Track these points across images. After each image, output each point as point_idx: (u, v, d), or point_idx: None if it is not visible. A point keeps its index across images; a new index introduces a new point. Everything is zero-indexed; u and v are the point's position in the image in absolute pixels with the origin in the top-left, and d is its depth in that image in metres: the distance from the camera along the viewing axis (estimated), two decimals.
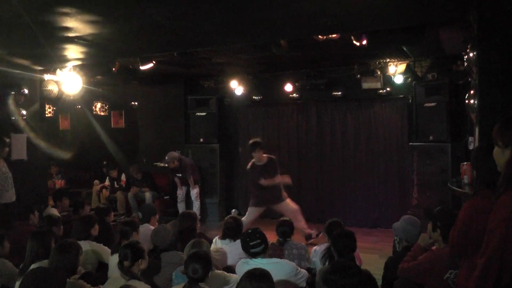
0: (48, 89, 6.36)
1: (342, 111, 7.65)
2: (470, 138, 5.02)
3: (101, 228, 4.28)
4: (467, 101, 4.29)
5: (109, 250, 3.81)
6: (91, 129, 9.24)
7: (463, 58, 4.33)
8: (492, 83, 3.34)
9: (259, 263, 3.04)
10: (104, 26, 4.08)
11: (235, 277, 3.17)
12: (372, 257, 5.14)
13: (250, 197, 8.17)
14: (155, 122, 8.80)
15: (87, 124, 9.28)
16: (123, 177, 8.54)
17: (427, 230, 2.98)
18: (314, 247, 3.96)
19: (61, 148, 8.98)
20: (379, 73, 6.88)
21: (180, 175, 7.53)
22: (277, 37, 4.98)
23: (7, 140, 5.49)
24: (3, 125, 5.71)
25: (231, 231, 3.94)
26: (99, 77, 7.58)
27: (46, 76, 6.40)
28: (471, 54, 3.76)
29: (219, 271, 3.21)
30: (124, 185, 8.43)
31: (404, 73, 6.81)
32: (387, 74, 6.88)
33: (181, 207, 7.57)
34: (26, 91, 5.94)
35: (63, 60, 5.59)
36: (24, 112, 5.96)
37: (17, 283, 2.75)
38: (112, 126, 9.28)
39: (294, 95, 7.70)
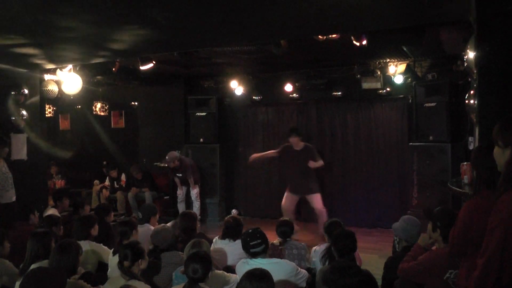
0: (48, 89, 6.36)
1: (342, 111, 7.65)
2: (470, 138, 5.03)
3: (101, 228, 4.28)
4: (467, 101, 4.30)
5: (109, 250, 3.81)
6: (91, 129, 9.25)
7: (463, 58, 4.32)
8: (492, 83, 3.33)
9: (259, 263, 3.04)
10: (104, 26, 4.07)
11: (235, 277, 3.17)
12: (372, 257, 5.14)
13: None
14: (155, 122, 8.80)
15: (87, 124, 9.29)
16: (123, 177, 8.55)
17: (427, 230, 2.98)
18: (314, 247, 3.96)
19: (61, 148, 8.99)
20: (379, 73, 6.88)
21: (181, 175, 7.53)
22: (277, 37, 4.97)
23: (7, 140, 5.49)
24: (3, 125, 5.71)
25: (231, 231, 3.94)
26: (99, 77, 7.59)
27: (46, 76, 6.40)
28: (471, 54, 3.76)
29: (219, 271, 3.21)
30: (124, 185, 8.43)
31: (404, 73, 6.81)
32: (387, 74, 6.88)
33: (181, 207, 7.57)
34: (26, 91, 5.94)
35: (63, 60, 5.59)
36: (24, 112, 5.96)
37: (17, 283, 2.75)
38: (112, 126, 9.29)
39: (294, 95, 7.70)
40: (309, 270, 3.49)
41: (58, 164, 9.06)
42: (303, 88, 7.58)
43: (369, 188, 7.42)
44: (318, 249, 3.81)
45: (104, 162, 9.00)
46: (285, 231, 3.96)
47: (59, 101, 8.12)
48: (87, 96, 8.44)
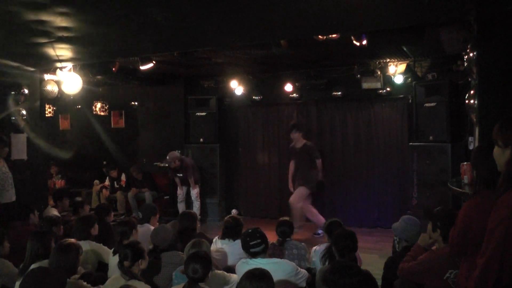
0: (48, 89, 6.36)
1: (342, 111, 7.65)
2: (470, 138, 5.03)
3: (101, 228, 4.28)
4: (467, 101, 4.29)
5: (109, 250, 3.81)
6: (91, 129, 9.24)
7: (463, 58, 4.33)
8: (492, 83, 3.34)
9: (259, 263, 3.04)
10: (104, 26, 4.07)
11: (235, 277, 3.17)
12: (372, 257, 5.14)
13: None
14: (155, 122, 8.80)
15: (87, 124, 9.28)
16: (123, 177, 8.55)
17: (427, 230, 2.98)
18: (314, 247, 3.96)
19: (61, 148, 8.98)
20: (379, 73, 6.88)
21: (181, 175, 7.53)
22: (277, 37, 4.97)
23: (7, 140, 5.49)
24: (3, 125, 5.71)
25: (231, 231, 3.94)
26: (99, 77, 7.58)
27: (46, 76, 6.39)
28: (471, 54, 3.76)
29: (219, 271, 3.21)
30: (124, 185, 8.43)
31: (404, 73, 6.81)
32: (387, 74, 6.88)
33: (181, 207, 7.57)
34: (26, 91, 5.94)
35: (63, 60, 5.58)
36: (24, 112, 5.96)
37: (17, 283, 2.75)
38: (112, 126, 9.28)
39: (294, 95, 7.70)
40: (309, 270, 3.49)
41: (58, 164, 9.06)
42: (303, 88, 7.59)
43: (369, 188, 7.42)
44: (318, 249, 3.81)
45: (104, 162, 9.00)
46: (285, 231, 3.95)
47: (59, 101, 8.13)
48: (87, 96, 8.44)
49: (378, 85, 6.97)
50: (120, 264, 2.99)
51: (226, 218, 4.13)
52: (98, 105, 8.77)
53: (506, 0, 3.28)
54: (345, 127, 7.62)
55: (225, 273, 3.24)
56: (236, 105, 8.38)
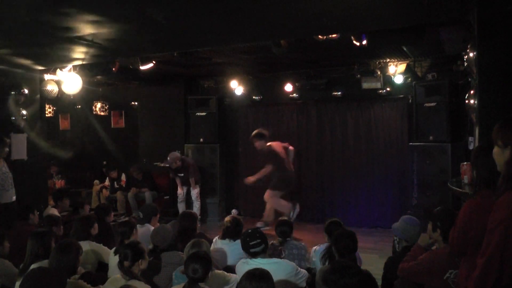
0: (48, 89, 6.36)
1: (342, 111, 7.65)
2: (470, 138, 5.03)
3: (101, 228, 4.28)
4: (467, 101, 4.29)
5: (109, 250, 3.81)
6: (91, 129, 9.25)
7: (463, 58, 4.33)
8: (492, 83, 3.34)
9: (259, 263, 3.04)
10: (104, 26, 4.08)
11: (235, 277, 3.17)
12: (372, 257, 5.14)
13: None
14: (155, 122, 8.79)
15: (87, 124, 9.29)
16: (123, 177, 8.55)
17: (427, 230, 2.98)
18: (314, 247, 3.96)
19: (61, 148, 8.99)
20: (379, 73, 6.88)
21: (182, 175, 7.54)
22: (277, 37, 4.97)
23: (7, 140, 5.49)
24: (3, 125, 5.71)
25: (231, 231, 3.94)
26: (99, 77, 7.59)
27: (46, 76, 6.39)
28: (471, 54, 3.76)
29: (219, 271, 3.21)
30: (124, 185, 8.43)
31: (404, 73, 6.81)
32: (387, 74, 6.88)
33: (181, 207, 7.57)
34: (26, 91, 5.94)
35: (63, 60, 5.59)
36: (24, 112, 5.96)
37: (17, 283, 2.75)
38: (112, 126, 9.29)
39: (294, 95, 7.70)
40: (309, 270, 3.49)
41: (58, 164, 9.07)
42: (303, 88, 7.58)
43: (369, 188, 7.41)
44: (318, 249, 3.80)
45: (104, 162, 9.01)
46: (285, 231, 3.95)
47: (59, 101, 8.12)
48: (87, 96, 8.45)
49: (378, 85, 6.97)
50: (120, 264, 2.99)
51: (226, 218, 4.13)
52: (98, 105, 8.77)
53: (506, 0, 3.28)
54: (345, 127, 7.62)
55: (225, 273, 3.24)
56: (236, 105, 8.38)
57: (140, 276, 3.00)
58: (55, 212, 5.49)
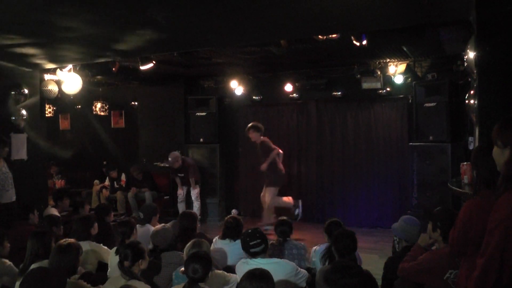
0: (48, 89, 6.36)
1: (342, 111, 7.65)
2: (470, 138, 5.03)
3: (101, 228, 4.28)
4: (467, 101, 4.29)
5: (109, 250, 3.81)
6: (91, 129, 9.25)
7: (463, 58, 4.32)
8: (492, 83, 3.33)
9: (259, 263, 3.04)
10: (104, 26, 4.08)
11: (235, 277, 3.17)
12: (372, 257, 5.14)
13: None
14: (155, 122, 8.80)
15: (87, 124, 9.29)
16: (123, 177, 8.55)
17: (427, 230, 2.98)
18: (314, 247, 3.96)
19: (61, 148, 8.99)
20: (379, 73, 6.88)
21: (182, 175, 7.54)
22: (277, 37, 4.97)
23: (7, 140, 5.49)
24: (3, 125, 5.71)
25: (231, 231, 3.94)
26: (99, 77, 7.59)
27: (46, 76, 6.40)
28: (471, 54, 3.76)
29: (219, 271, 3.21)
30: (124, 185, 8.43)
31: (404, 73, 6.81)
32: (387, 74, 6.88)
33: (181, 207, 7.58)
34: (26, 91, 5.94)
35: (63, 60, 5.59)
36: (24, 112, 5.96)
37: (17, 283, 2.75)
38: (112, 126, 9.29)
39: (294, 95, 7.70)
40: (309, 270, 3.49)
41: (58, 164, 9.07)
42: (303, 88, 7.58)
43: (369, 188, 7.41)
44: (318, 249, 3.80)
45: (104, 162, 9.00)
46: (285, 230, 3.96)
47: (59, 101, 8.12)
48: (87, 96, 8.44)
49: (378, 85, 6.97)
50: (121, 264, 2.99)
51: (226, 218, 4.13)
52: (98, 105, 8.77)
53: (506, 0, 3.28)
54: (345, 127, 7.62)
55: (225, 273, 3.24)
56: (236, 105, 8.38)
57: (140, 276, 3.00)
58: (55, 212, 5.49)
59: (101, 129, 9.17)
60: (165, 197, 8.44)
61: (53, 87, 6.40)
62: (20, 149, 5.90)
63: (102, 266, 3.80)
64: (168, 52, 5.69)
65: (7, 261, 3.52)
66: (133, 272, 2.96)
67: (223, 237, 3.99)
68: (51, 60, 5.60)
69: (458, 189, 3.80)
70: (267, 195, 6.92)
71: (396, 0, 3.62)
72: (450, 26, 4.65)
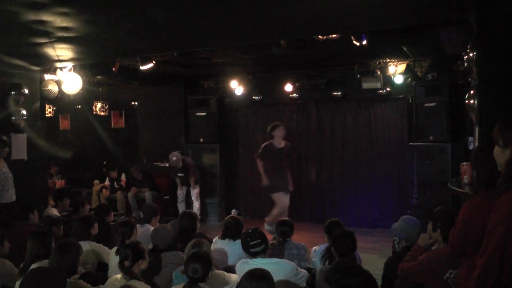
0: (48, 89, 6.36)
1: (342, 111, 7.65)
2: (470, 138, 5.03)
3: (101, 228, 4.28)
4: (467, 101, 4.29)
5: (109, 250, 3.81)
6: (91, 129, 9.25)
7: (463, 58, 4.33)
8: (492, 83, 3.34)
9: (259, 263, 3.04)
10: (104, 26, 4.08)
11: (235, 277, 3.17)
12: (372, 257, 5.14)
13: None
14: (155, 122, 8.80)
15: (87, 124, 9.29)
16: (123, 177, 8.55)
17: (427, 230, 2.98)
18: (314, 247, 3.96)
19: (61, 148, 8.99)
20: (379, 73, 6.89)
21: (182, 174, 7.54)
22: (277, 37, 4.97)
23: (7, 140, 5.49)
24: (3, 125, 5.71)
25: (231, 231, 3.94)
26: (99, 77, 7.58)
27: (46, 76, 6.39)
28: (471, 54, 3.76)
29: (219, 271, 3.21)
30: (124, 185, 8.43)
31: (404, 73, 6.81)
32: (387, 74, 6.88)
33: (181, 207, 7.58)
34: (26, 91, 5.93)
35: (63, 60, 5.58)
36: (24, 112, 5.96)
37: (17, 283, 2.75)
38: (112, 126, 9.29)
39: (294, 95, 7.70)
40: (309, 270, 3.49)
41: (58, 164, 9.07)
42: (303, 88, 7.59)
43: (369, 188, 7.41)
44: (318, 249, 3.81)
45: (104, 162, 9.01)
46: (285, 231, 3.96)
47: (59, 101, 8.13)
48: (87, 96, 8.45)
49: (378, 85, 6.97)
50: (121, 264, 2.99)
51: (226, 218, 4.13)
52: (98, 105, 8.77)
53: (506, 0, 3.28)
54: (345, 127, 7.62)
55: (225, 273, 3.24)
56: (236, 105, 8.38)
57: (140, 276, 3.00)
58: (55, 212, 5.49)
59: (101, 129, 9.17)
60: (165, 197, 8.44)
61: (53, 87, 6.40)
62: (20, 149, 5.90)
63: (102, 266, 3.80)
64: (168, 52, 5.68)
65: (7, 261, 3.52)
66: (133, 272, 2.96)
67: (223, 237, 3.99)
68: (51, 60, 5.60)
69: (458, 189, 3.80)
70: (286, 199, 6.67)
71: (396, 0, 3.62)
72: (450, 26, 4.66)
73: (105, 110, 8.88)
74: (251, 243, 3.14)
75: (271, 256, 3.37)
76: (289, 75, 7.67)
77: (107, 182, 8.64)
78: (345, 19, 4.11)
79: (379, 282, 3.25)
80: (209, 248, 3.37)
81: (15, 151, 5.80)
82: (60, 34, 4.24)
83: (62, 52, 5.05)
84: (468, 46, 3.88)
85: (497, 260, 1.70)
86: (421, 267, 2.79)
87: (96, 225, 4.10)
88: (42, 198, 6.22)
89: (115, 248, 3.58)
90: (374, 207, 7.36)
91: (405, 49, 6.01)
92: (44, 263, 3.13)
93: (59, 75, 6.23)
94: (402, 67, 6.76)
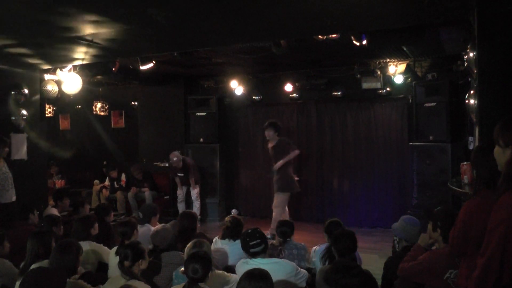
0: (48, 89, 6.36)
1: (342, 111, 7.65)
2: (470, 138, 5.03)
3: (101, 228, 4.28)
4: (467, 101, 4.29)
5: (109, 250, 3.80)
6: (91, 129, 9.25)
7: (463, 58, 4.33)
8: (492, 83, 3.34)
9: (259, 263, 3.04)
10: (104, 26, 4.08)
11: (235, 277, 3.17)
12: (372, 257, 5.14)
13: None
14: (155, 122, 8.80)
15: (87, 124, 9.29)
16: (123, 177, 8.55)
17: (427, 230, 2.98)
18: (314, 247, 3.96)
19: (61, 148, 8.99)
20: (379, 73, 6.89)
21: (182, 174, 7.54)
22: (277, 37, 4.97)
23: (7, 140, 5.50)
24: (3, 125, 5.71)
25: (231, 231, 3.94)
26: (99, 77, 7.59)
27: (46, 76, 6.40)
28: (471, 54, 3.76)
29: (219, 271, 3.21)
30: (124, 185, 8.44)
31: (404, 73, 6.81)
32: (387, 74, 6.88)
33: (181, 207, 7.58)
34: (26, 91, 5.94)
35: (63, 60, 5.59)
36: (24, 112, 5.96)
37: (17, 283, 2.75)
38: (112, 126, 9.30)
39: (294, 95, 7.70)
40: (309, 270, 3.49)
41: (58, 164, 9.07)
42: (303, 88, 7.59)
43: (369, 188, 7.42)
44: (318, 249, 3.80)
45: (104, 162, 9.01)
46: (285, 231, 3.95)
47: (59, 101, 8.13)
48: (87, 96, 8.45)
49: (378, 85, 6.98)
50: (121, 264, 2.99)
51: (226, 218, 4.12)
52: (98, 105, 8.78)
53: (506, 0, 3.28)
54: (345, 127, 7.62)
55: (225, 273, 3.23)
56: (236, 105, 8.38)
57: (140, 276, 3.00)
58: (55, 212, 5.48)
59: (101, 129, 9.17)
60: (165, 197, 8.44)
61: (53, 87, 6.40)
62: (20, 149, 5.90)
63: (102, 266, 3.80)
64: (168, 52, 5.68)
65: (7, 261, 3.52)
66: (133, 272, 2.96)
67: (223, 237, 3.99)
68: (51, 60, 5.60)
69: (458, 189, 3.80)
70: (276, 202, 6.40)
71: (396, 0, 3.62)
72: (450, 26, 4.66)
73: (105, 110, 8.88)
74: (251, 243, 3.14)
75: (271, 256, 3.37)
76: (289, 75, 7.67)
77: (107, 182, 8.65)
78: (345, 19, 4.11)
79: (379, 282, 3.25)
80: (209, 248, 3.36)
81: (15, 151, 5.80)
82: (61, 34, 4.24)
83: (62, 52, 5.05)
84: (468, 46, 3.88)
85: (497, 260, 1.70)
86: (421, 267, 2.79)
87: (96, 225, 4.09)
88: (42, 198, 6.22)
89: (115, 248, 3.58)
90: (374, 207, 7.37)
91: (405, 49, 6.01)
92: (44, 263, 3.13)
93: (59, 75, 6.23)
94: (402, 67, 6.76)
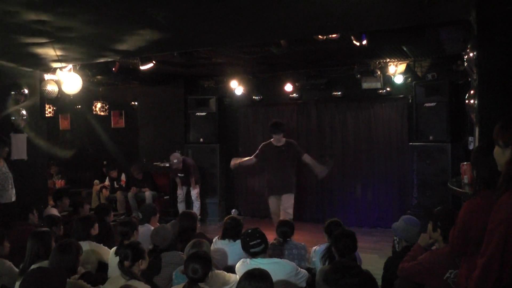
0: (48, 89, 6.36)
1: (342, 111, 7.65)
2: (470, 138, 5.02)
3: (101, 228, 4.28)
4: (467, 101, 4.29)
5: (109, 250, 3.80)
6: (91, 129, 9.25)
7: (463, 58, 4.32)
8: (492, 83, 3.34)
9: (259, 263, 3.04)
10: (104, 26, 4.07)
11: (235, 277, 3.17)
12: (372, 257, 5.14)
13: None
14: (155, 122, 8.80)
15: (87, 124, 9.29)
16: (123, 177, 8.55)
17: (427, 230, 2.98)
18: (314, 247, 3.96)
19: (61, 148, 8.99)
20: (379, 73, 6.89)
21: (182, 175, 7.54)
22: (277, 37, 4.97)
23: (7, 140, 5.49)
24: (3, 125, 5.70)
25: (231, 231, 3.94)
26: (99, 77, 7.58)
27: (46, 76, 6.39)
28: (471, 54, 3.76)
29: (219, 271, 3.21)
30: (124, 185, 8.44)
31: (404, 73, 6.81)
32: (387, 74, 6.88)
33: (181, 207, 7.58)
34: (26, 91, 5.93)
35: (63, 60, 5.58)
36: (24, 112, 5.96)
37: (17, 283, 2.75)
38: (112, 126, 9.29)
39: (294, 95, 7.71)
40: (309, 270, 3.49)
41: (58, 164, 9.07)
42: (303, 88, 7.60)
43: (369, 188, 7.42)
44: (318, 249, 3.80)
45: (104, 162, 9.01)
46: (285, 231, 3.95)
47: (59, 101, 8.12)
48: (87, 96, 8.45)
49: (378, 85, 6.98)
50: (121, 264, 2.99)
51: (226, 218, 4.12)
52: (98, 105, 8.77)
53: (506, 0, 3.28)
54: (345, 127, 7.62)
55: (225, 273, 3.23)
56: (236, 105, 8.38)
57: (140, 276, 3.00)
58: (55, 212, 5.48)
59: (101, 129, 9.17)
60: (165, 197, 8.44)
61: (53, 87, 6.40)
62: (20, 149, 5.90)
63: (102, 266, 3.80)
64: (168, 52, 5.68)
65: (7, 261, 3.52)
66: (133, 272, 2.96)
67: (223, 237, 3.99)
68: (51, 60, 5.59)
69: (458, 189, 3.79)
70: (286, 203, 6.07)
71: (396, 0, 3.62)
72: (450, 26, 4.66)
73: (105, 110, 8.88)
74: (251, 243, 3.14)
75: (271, 256, 3.38)
76: (289, 75, 7.67)
77: (107, 182, 8.64)
78: (345, 19, 4.11)
79: (379, 282, 3.25)
80: (209, 248, 3.36)
81: (15, 151, 5.80)
82: (60, 34, 4.24)
83: (62, 52, 5.05)
84: (468, 46, 3.88)
85: (497, 260, 1.70)
86: (421, 267, 2.79)
87: (96, 225, 4.09)
88: (42, 198, 6.21)
89: (115, 248, 3.58)
90: (374, 207, 7.37)
91: (405, 49, 6.01)
92: (44, 263, 3.13)
93: (59, 75, 6.22)
94: (402, 67, 6.76)
